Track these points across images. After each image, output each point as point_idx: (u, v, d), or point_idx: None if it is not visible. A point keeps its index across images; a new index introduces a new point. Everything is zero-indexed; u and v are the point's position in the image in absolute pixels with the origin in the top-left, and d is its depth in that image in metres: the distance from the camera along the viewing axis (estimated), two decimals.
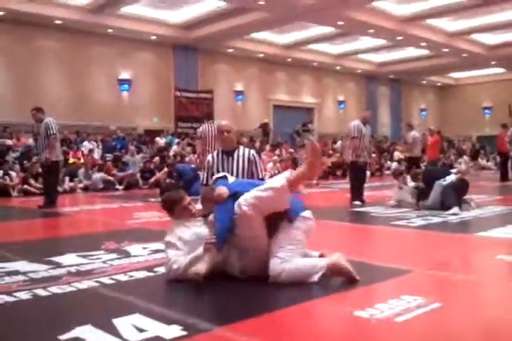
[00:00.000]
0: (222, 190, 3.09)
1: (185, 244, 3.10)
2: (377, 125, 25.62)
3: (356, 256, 3.58)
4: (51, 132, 7.79)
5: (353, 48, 21.66)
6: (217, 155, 4.26)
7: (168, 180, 11.57)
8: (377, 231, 5.30)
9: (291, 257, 2.98)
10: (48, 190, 8.11)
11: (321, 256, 3.25)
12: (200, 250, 2.98)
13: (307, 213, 3.18)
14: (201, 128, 8.21)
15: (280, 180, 3.02)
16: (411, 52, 22.07)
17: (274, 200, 2.98)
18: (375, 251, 4.17)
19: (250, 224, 2.95)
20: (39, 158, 8.26)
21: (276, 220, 3.06)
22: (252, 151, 4.35)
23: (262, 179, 4.17)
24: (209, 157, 4.31)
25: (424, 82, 28.76)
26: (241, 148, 4.33)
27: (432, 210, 6.33)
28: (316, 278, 2.94)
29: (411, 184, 7.06)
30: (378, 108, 26.43)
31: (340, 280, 3.01)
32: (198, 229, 3.19)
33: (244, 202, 2.92)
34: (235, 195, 3.02)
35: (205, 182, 4.22)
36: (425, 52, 21.64)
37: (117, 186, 11.93)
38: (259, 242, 3.03)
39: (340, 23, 16.60)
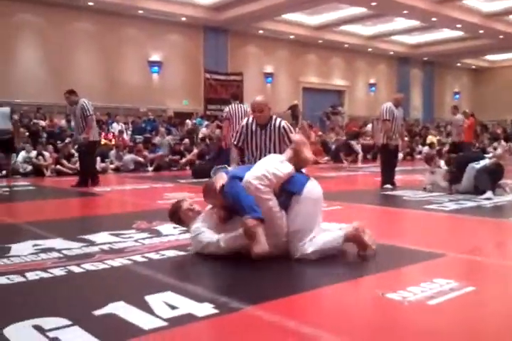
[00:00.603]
0: (222, 177, 3.13)
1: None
2: (409, 108, 25.15)
3: (388, 240, 3.55)
4: (88, 113, 7.89)
5: (386, 30, 21.24)
6: (251, 125, 4.39)
7: (198, 162, 11.63)
8: (409, 215, 5.22)
9: (313, 237, 2.98)
10: (84, 169, 8.20)
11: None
12: (237, 232, 2.98)
13: (312, 182, 3.16)
14: (227, 108, 8.02)
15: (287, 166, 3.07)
16: (445, 33, 21.51)
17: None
18: (407, 235, 4.11)
19: (264, 201, 2.94)
20: (75, 139, 8.37)
21: (284, 195, 3.05)
22: (283, 123, 4.35)
23: None
24: (244, 122, 4.51)
25: (458, 64, 28.04)
26: (273, 119, 4.36)
27: (465, 194, 6.21)
28: (337, 249, 3.04)
29: (444, 168, 6.93)
30: (410, 91, 25.91)
31: (369, 262, 3.00)
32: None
33: (253, 177, 2.96)
34: (241, 180, 3.02)
35: (235, 142, 4.52)
36: (460, 33, 21.06)
37: (148, 167, 12.05)
38: (277, 222, 3.02)
39: (373, 3, 16.26)
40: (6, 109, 8.60)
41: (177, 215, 3.36)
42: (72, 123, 9.39)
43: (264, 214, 2.90)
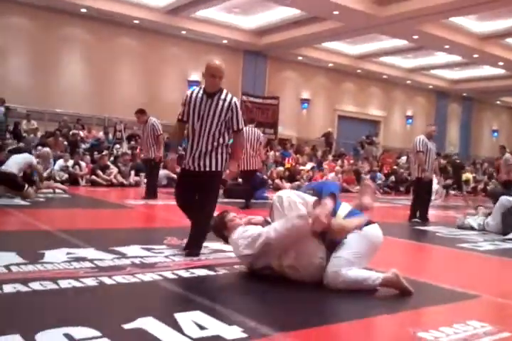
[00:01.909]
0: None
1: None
2: (445, 143, 24.88)
3: (421, 276, 3.48)
4: (158, 132, 8.43)
5: (426, 63, 21.19)
6: (197, 94, 3.90)
7: (230, 182, 11.63)
8: (442, 252, 5.11)
9: (349, 268, 2.96)
10: (151, 183, 8.78)
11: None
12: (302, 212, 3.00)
13: (374, 227, 3.15)
14: None
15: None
16: (486, 70, 21.31)
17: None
18: (440, 273, 4.01)
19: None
20: (145, 155, 8.85)
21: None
22: (235, 99, 3.95)
23: (239, 130, 4.00)
24: (188, 92, 3.97)
25: (498, 102, 27.69)
26: (223, 92, 3.92)
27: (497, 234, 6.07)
28: (371, 288, 2.96)
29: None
30: (447, 125, 25.67)
31: (401, 298, 2.94)
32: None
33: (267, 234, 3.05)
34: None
35: (180, 117, 3.96)
36: (501, 71, 20.85)
37: None
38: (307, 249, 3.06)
39: (415, 36, 16.29)
40: (24, 157, 8.15)
41: (223, 223, 3.44)
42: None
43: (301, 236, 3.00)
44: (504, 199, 6.17)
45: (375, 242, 3.12)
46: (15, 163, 7.72)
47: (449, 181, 14.29)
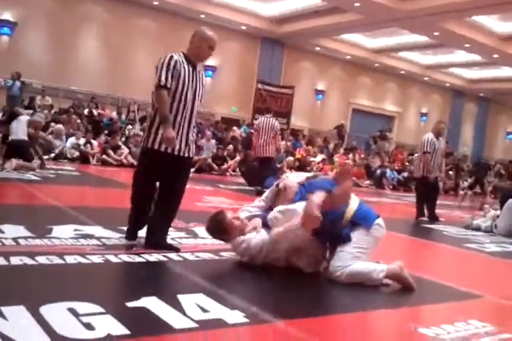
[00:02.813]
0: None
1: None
2: (459, 143, 24.68)
3: (425, 273, 3.48)
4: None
5: (445, 61, 20.95)
6: (183, 61, 3.35)
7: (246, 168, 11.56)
8: (447, 251, 5.09)
9: (353, 261, 2.97)
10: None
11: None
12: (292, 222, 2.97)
13: (380, 221, 3.15)
14: (257, 121, 8.63)
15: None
16: (506, 71, 21.03)
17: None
18: (445, 271, 4.00)
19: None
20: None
21: (350, 225, 3.07)
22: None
23: None
24: (174, 55, 3.35)
25: None
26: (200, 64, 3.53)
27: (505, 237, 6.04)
28: (376, 282, 2.96)
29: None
30: (462, 125, 25.45)
31: (404, 294, 2.94)
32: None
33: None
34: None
35: (164, 82, 3.24)
36: None
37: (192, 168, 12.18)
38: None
39: (436, 33, 16.09)
40: (24, 119, 8.19)
41: (222, 226, 3.18)
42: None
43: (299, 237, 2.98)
44: (510, 203, 6.13)
45: (378, 236, 3.13)
46: (21, 130, 7.79)
47: (470, 181, 14.17)
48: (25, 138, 7.84)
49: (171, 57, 3.30)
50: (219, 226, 3.21)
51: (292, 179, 3.32)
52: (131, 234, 3.49)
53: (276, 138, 8.41)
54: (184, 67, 3.32)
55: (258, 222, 3.24)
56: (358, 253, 3.00)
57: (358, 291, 2.88)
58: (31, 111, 11.24)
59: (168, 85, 3.25)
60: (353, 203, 3.13)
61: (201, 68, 3.53)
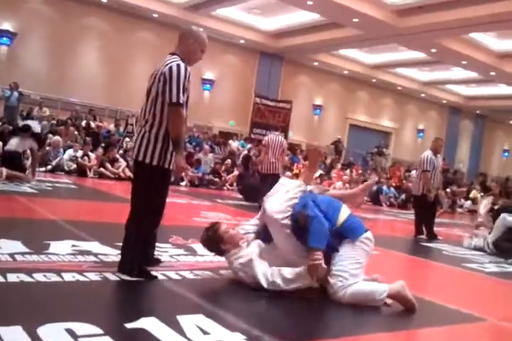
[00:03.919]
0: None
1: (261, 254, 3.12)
2: (455, 160, 24.76)
3: (426, 294, 3.44)
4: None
5: (442, 77, 21.13)
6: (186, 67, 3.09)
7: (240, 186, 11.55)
8: (447, 271, 5.05)
9: (354, 280, 2.94)
10: None
11: (374, 280, 3.19)
12: (300, 269, 2.96)
13: (369, 234, 3.15)
14: (267, 137, 8.84)
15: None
16: (502, 89, 21.21)
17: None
18: (446, 292, 3.95)
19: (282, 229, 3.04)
20: None
21: (338, 239, 3.05)
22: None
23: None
24: (184, 64, 3.07)
25: (511, 122, 27.53)
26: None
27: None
28: (378, 302, 2.93)
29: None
30: (458, 142, 25.58)
31: (404, 316, 2.91)
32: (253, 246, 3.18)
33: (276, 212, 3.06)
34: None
35: (182, 99, 2.99)
36: None
37: (183, 182, 12.12)
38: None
39: (433, 50, 16.24)
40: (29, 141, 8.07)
41: (217, 235, 3.15)
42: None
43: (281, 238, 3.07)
44: (501, 217, 6.12)
45: (368, 250, 3.11)
46: (19, 144, 7.81)
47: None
48: (20, 150, 7.87)
49: (186, 68, 3.05)
50: (215, 235, 3.18)
51: (272, 204, 3.13)
52: (144, 272, 3.04)
53: (283, 155, 8.69)
54: (187, 72, 3.09)
55: (250, 237, 3.26)
56: (356, 270, 2.97)
57: (360, 313, 2.83)
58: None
59: (182, 100, 3.00)
60: (343, 215, 3.12)
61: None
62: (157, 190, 3.13)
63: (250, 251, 3.11)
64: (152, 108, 3.05)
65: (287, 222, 3.03)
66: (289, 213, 3.04)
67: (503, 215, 6.17)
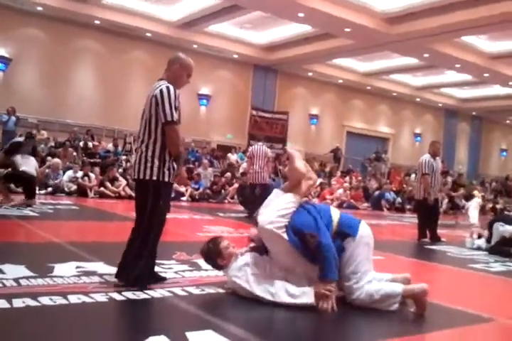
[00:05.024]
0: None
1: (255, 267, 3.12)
2: (454, 162, 24.79)
3: (434, 297, 3.41)
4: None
5: (436, 81, 21.24)
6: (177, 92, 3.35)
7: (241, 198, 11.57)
8: (453, 273, 5.03)
9: (367, 279, 2.99)
10: None
11: (393, 280, 3.23)
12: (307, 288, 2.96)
13: (364, 224, 3.19)
14: (251, 148, 8.96)
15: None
16: (496, 90, 21.33)
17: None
18: (453, 294, 3.93)
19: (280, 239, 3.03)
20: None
21: (339, 238, 3.07)
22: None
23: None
24: (172, 87, 3.32)
25: (507, 121, 27.63)
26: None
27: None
28: (393, 307, 2.96)
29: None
30: (456, 144, 25.63)
31: (412, 320, 2.91)
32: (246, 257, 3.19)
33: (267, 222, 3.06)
34: None
35: (177, 118, 3.30)
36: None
37: (184, 197, 12.14)
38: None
39: (425, 55, 16.36)
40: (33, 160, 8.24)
41: (217, 249, 3.20)
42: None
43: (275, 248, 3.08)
44: (495, 227, 6.29)
45: (370, 243, 3.14)
46: (33, 166, 7.89)
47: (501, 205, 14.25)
48: (35, 174, 7.94)
49: (175, 91, 3.32)
50: (214, 249, 3.23)
51: (263, 216, 3.13)
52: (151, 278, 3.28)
53: (268, 164, 8.84)
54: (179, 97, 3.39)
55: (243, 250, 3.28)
56: (365, 267, 3.02)
57: (370, 319, 2.84)
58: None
59: (177, 119, 3.31)
60: (335, 215, 3.17)
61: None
62: (159, 202, 3.30)
63: (244, 259, 3.15)
64: (147, 128, 3.33)
65: (282, 232, 3.01)
66: (283, 224, 3.04)
67: (495, 226, 6.35)
